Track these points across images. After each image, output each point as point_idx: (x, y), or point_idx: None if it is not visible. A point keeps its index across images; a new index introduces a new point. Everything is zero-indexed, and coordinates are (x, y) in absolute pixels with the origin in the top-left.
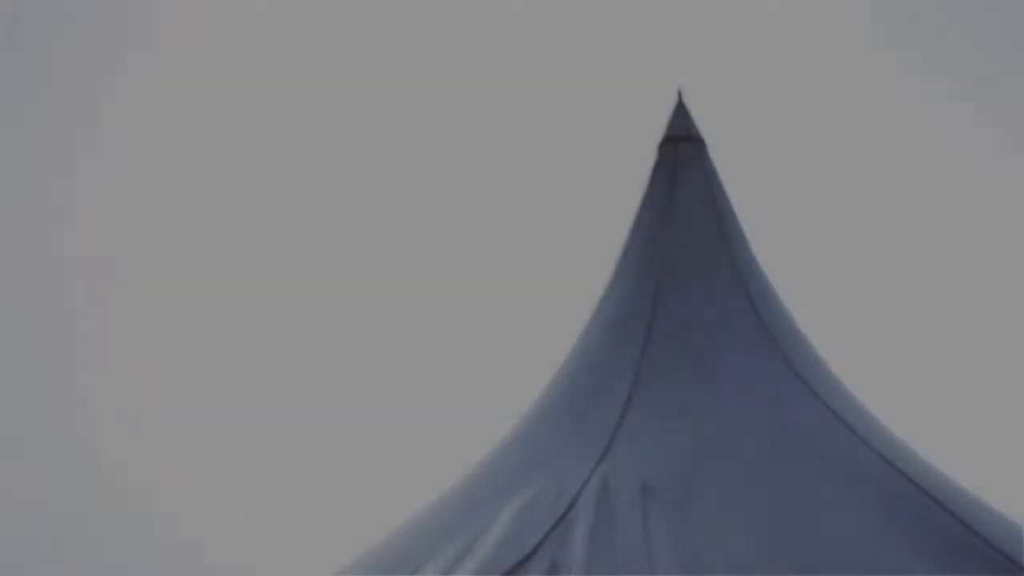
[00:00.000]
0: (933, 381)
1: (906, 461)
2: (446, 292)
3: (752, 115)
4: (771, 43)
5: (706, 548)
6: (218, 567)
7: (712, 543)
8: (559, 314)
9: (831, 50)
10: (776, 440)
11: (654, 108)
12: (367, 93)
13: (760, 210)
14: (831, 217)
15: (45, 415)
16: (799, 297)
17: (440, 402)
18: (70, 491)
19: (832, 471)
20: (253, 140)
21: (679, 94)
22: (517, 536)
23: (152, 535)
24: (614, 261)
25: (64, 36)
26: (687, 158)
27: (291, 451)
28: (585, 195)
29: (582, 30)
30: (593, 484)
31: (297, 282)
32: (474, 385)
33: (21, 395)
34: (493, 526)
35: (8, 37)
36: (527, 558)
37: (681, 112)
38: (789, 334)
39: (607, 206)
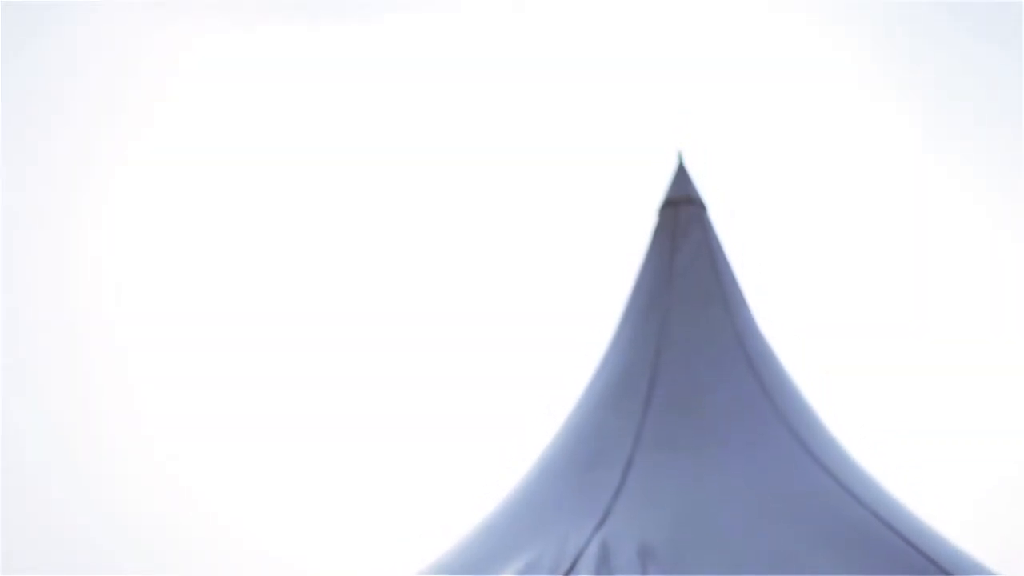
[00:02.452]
0: (933, 440)
1: (909, 526)
2: (450, 349)
3: (753, 179)
4: (771, 107)
5: None
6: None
7: None
8: (561, 375)
9: (831, 114)
10: (775, 503)
11: (655, 171)
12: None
13: (760, 273)
14: (831, 280)
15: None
16: (799, 359)
17: (444, 458)
18: (83, 497)
19: (831, 535)
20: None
21: (680, 157)
22: None
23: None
24: (615, 323)
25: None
26: (687, 221)
27: (297, 472)
28: (586, 257)
29: (584, 94)
30: (593, 546)
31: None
32: (475, 444)
33: (27, 399)
34: None
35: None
36: None
37: (682, 175)
38: (788, 397)
39: (608, 268)
